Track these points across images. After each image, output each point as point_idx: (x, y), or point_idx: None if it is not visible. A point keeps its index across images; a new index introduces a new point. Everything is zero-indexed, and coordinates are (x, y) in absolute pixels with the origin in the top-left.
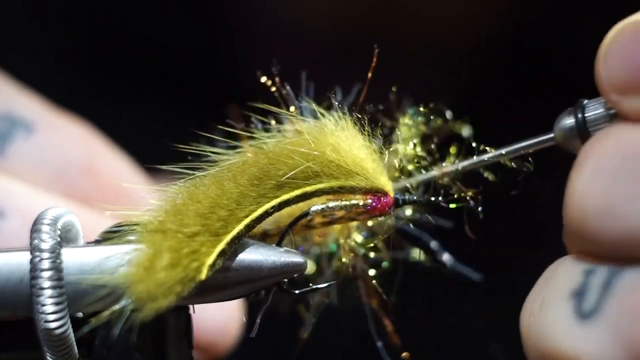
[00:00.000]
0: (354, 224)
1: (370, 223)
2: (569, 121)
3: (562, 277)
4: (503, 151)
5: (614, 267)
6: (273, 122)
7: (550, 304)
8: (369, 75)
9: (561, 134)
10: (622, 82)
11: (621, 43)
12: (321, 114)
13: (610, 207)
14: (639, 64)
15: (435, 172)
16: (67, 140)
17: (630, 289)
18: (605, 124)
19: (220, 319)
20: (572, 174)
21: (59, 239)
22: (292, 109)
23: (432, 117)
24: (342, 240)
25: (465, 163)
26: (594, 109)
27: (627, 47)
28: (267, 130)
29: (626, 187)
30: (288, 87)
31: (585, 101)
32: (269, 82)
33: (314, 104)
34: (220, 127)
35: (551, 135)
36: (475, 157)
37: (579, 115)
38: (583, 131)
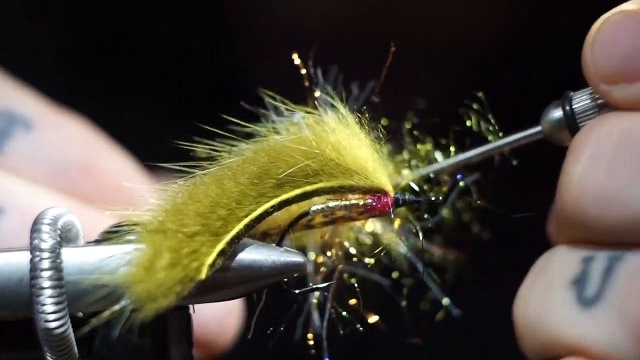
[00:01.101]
0: (353, 224)
1: (370, 222)
2: (557, 113)
3: (558, 266)
4: (490, 146)
5: (614, 253)
6: (274, 120)
7: (550, 294)
8: (367, 73)
9: (549, 127)
10: (610, 72)
11: (608, 33)
12: (321, 113)
13: (610, 192)
14: (627, 52)
15: (431, 167)
16: (67, 139)
17: (633, 273)
18: (594, 115)
19: (219, 317)
20: (568, 162)
21: (59, 238)
22: (292, 108)
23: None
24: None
25: (452, 160)
26: (581, 101)
27: (614, 36)
28: (267, 128)
29: (625, 172)
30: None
31: (572, 93)
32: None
33: (314, 104)
34: (220, 126)
35: (538, 128)
36: (463, 154)
37: (567, 107)
38: (571, 123)
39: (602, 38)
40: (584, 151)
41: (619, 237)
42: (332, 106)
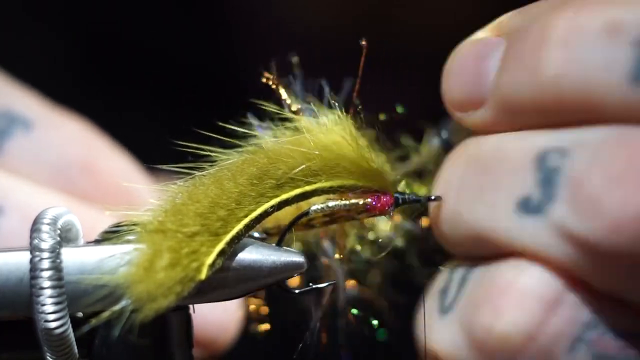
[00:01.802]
0: (353, 223)
1: (370, 222)
2: (434, 140)
3: (437, 279)
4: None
5: (469, 265)
6: (273, 121)
7: (427, 303)
8: (367, 74)
9: (430, 154)
10: (460, 99)
11: (457, 62)
12: (321, 113)
13: (456, 213)
14: (470, 80)
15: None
16: (67, 138)
17: (477, 283)
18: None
19: (219, 316)
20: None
21: (58, 238)
22: (292, 108)
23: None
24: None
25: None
26: (454, 126)
27: (461, 65)
28: (267, 129)
29: (468, 195)
30: (290, 87)
31: (449, 119)
32: (270, 82)
33: (313, 103)
34: (220, 126)
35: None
36: None
37: (442, 135)
38: (449, 148)
39: (452, 67)
40: (441, 175)
41: (469, 252)
42: (330, 107)
